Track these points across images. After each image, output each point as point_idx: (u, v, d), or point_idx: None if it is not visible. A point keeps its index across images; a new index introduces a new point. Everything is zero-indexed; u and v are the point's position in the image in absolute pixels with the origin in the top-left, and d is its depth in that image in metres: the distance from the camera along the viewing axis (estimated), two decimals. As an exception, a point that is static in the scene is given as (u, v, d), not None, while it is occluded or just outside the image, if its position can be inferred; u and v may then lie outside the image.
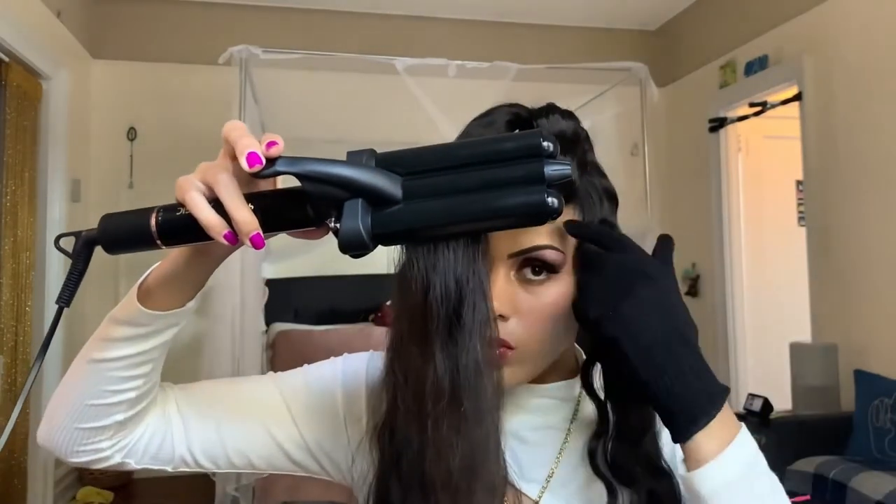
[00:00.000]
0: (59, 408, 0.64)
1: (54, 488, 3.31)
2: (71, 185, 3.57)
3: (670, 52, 4.56)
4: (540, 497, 0.66)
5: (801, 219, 3.85)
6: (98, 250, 0.56)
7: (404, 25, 4.34)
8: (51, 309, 3.31)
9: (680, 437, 0.53)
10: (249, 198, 0.50)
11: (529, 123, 0.63)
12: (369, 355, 0.74)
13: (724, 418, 0.53)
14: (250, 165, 0.47)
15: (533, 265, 0.60)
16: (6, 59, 2.95)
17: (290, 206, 0.49)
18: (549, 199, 0.48)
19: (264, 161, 0.47)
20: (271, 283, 3.71)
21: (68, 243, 0.57)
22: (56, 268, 3.37)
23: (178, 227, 0.50)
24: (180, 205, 0.50)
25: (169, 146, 4.01)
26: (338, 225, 0.48)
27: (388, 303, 3.37)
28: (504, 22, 4.46)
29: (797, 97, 3.37)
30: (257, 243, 0.49)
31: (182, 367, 3.97)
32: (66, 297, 0.55)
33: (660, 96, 3.40)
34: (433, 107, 3.00)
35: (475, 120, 0.67)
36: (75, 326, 3.67)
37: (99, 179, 3.94)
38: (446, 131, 2.91)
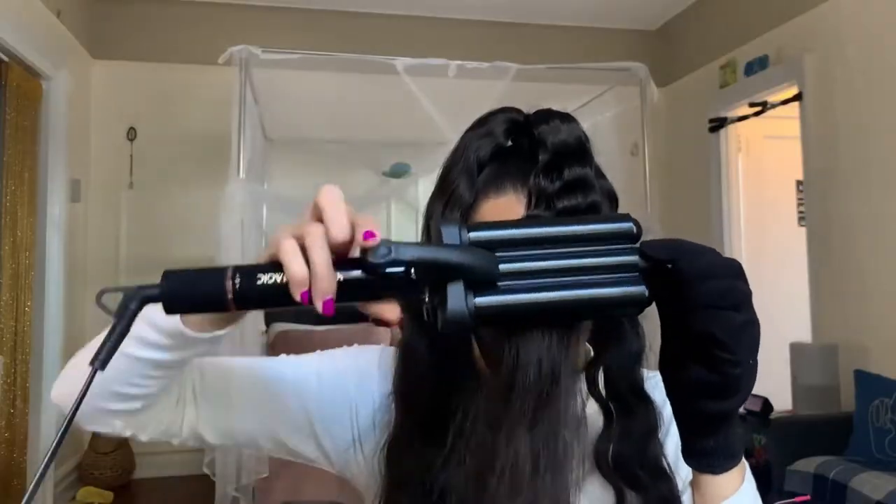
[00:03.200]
0: (79, 380, 0.64)
1: (54, 488, 3.31)
2: (71, 185, 3.57)
3: (670, 52, 4.56)
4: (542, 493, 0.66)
5: (801, 219, 3.85)
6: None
7: (404, 25, 4.35)
8: (51, 309, 3.32)
9: (717, 468, 0.53)
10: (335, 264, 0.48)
11: (527, 130, 0.63)
12: (380, 351, 0.76)
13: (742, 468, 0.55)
14: (365, 239, 0.46)
15: None
16: (6, 59, 2.95)
17: (391, 280, 0.47)
18: (645, 289, 0.49)
19: (379, 237, 0.46)
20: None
21: (112, 299, 0.51)
22: (56, 268, 3.37)
23: (258, 294, 0.47)
24: (259, 269, 0.47)
25: (169, 146, 4.01)
26: (432, 300, 0.48)
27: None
28: (504, 22, 4.46)
29: (797, 97, 3.37)
30: (327, 310, 0.47)
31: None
32: (104, 359, 0.47)
33: (660, 96, 3.40)
34: (433, 107, 3.00)
35: (471, 129, 0.67)
36: (76, 326, 3.67)
37: (99, 179, 3.94)
38: (446, 131, 2.91)
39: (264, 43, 2.97)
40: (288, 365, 0.74)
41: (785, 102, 3.46)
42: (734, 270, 0.51)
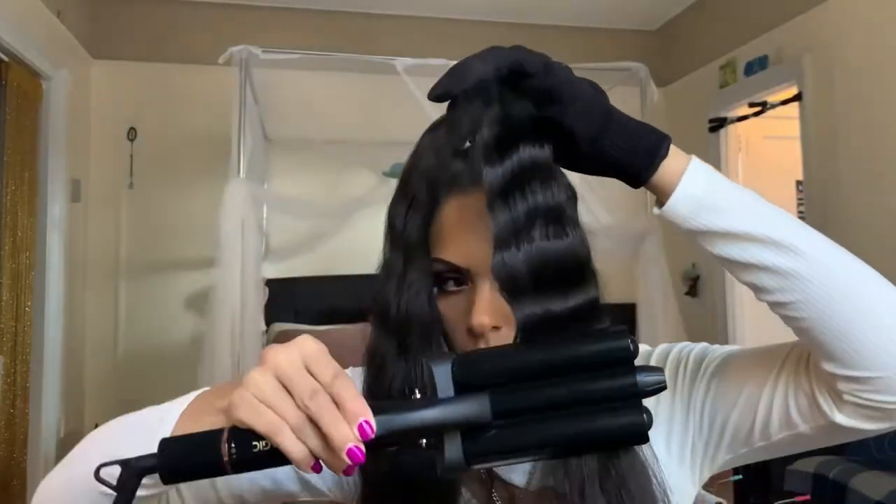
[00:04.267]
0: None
1: (54, 488, 3.31)
2: (71, 185, 3.57)
3: (670, 52, 4.56)
4: (528, 485, 0.67)
5: (801, 219, 3.85)
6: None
7: (404, 25, 4.34)
8: (51, 309, 3.32)
9: (646, 171, 0.56)
10: None
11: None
12: (350, 371, 0.73)
13: (676, 149, 0.58)
14: (363, 437, 0.44)
15: None
16: (6, 59, 2.95)
17: (378, 443, 0.46)
18: (647, 418, 0.47)
19: (363, 451, 0.44)
20: (271, 283, 3.71)
21: (111, 473, 0.48)
22: (56, 268, 3.37)
23: (256, 460, 0.46)
24: (252, 433, 0.45)
25: (169, 146, 4.01)
26: (427, 445, 0.48)
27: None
28: (504, 22, 4.46)
29: (797, 97, 3.37)
30: (349, 473, 0.45)
31: (182, 366, 3.99)
32: None
33: (660, 96, 3.40)
34: (433, 107, 3.00)
35: (429, 131, 0.68)
36: (75, 326, 3.68)
37: (99, 179, 3.94)
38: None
39: (264, 43, 2.97)
40: None
41: (785, 102, 3.46)
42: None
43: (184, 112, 4.00)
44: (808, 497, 2.49)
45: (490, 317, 0.60)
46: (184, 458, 0.47)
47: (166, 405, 0.58)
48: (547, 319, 0.53)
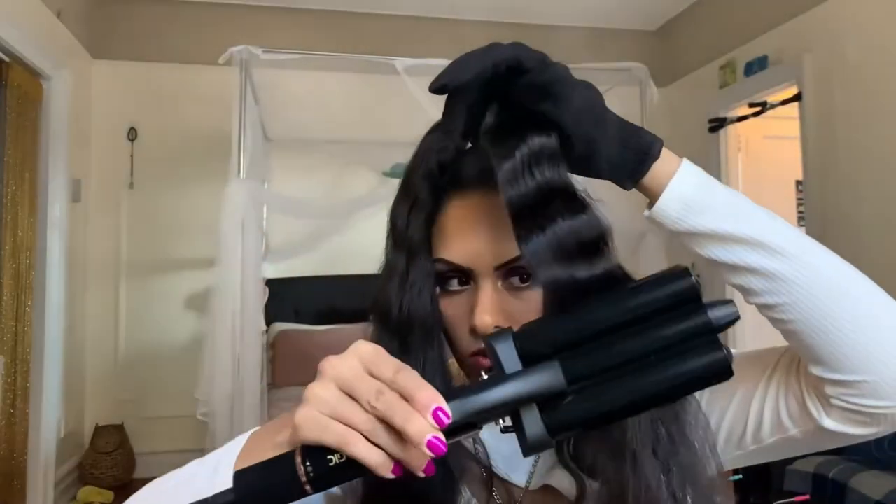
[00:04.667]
0: None
1: (54, 488, 3.31)
2: (71, 185, 3.57)
3: (670, 52, 4.57)
4: (528, 485, 0.67)
5: (800, 219, 3.85)
6: None
7: (404, 25, 4.35)
8: (51, 309, 3.32)
9: (638, 172, 0.57)
10: None
11: None
12: None
13: (668, 152, 0.58)
14: (440, 425, 0.42)
15: (519, 274, 0.61)
16: (6, 59, 2.95)
17: (455, 431, 0.45)
18: (725, 353, 0.44)
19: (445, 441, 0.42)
20: (271, 283, 3.71)
21: None
22: (56, 268, 3.37)
23: (334, 475, 0.44)
24: (324, 448, 0.43)
25: (169, 146, 4.01)
26: (508, 425, 0.46)
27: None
28: (504, 22, 4.46)
29: (797, 97, 3.37)
30: (430, 472, 0.44)
31: (182, 366, 3.99)
32: None
33: (660, 96, 3.40)
34: (433, 107, 3.00)
35: (431, 132, 0.67)
36: (75, 326, 3.68)
37: (99, 179, 3.94)
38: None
39: (264, 43, 2.97)
40: None
41: (785, 102, 3.46)
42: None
43: (184, 112, 4.01)
44: (807, 497, 2.49)
45: (493, 316, 0.60)
46: (261, 486, 0.45)
47: (216, 453, 0.55)
48: (573, 285, 0.53)
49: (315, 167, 4.02)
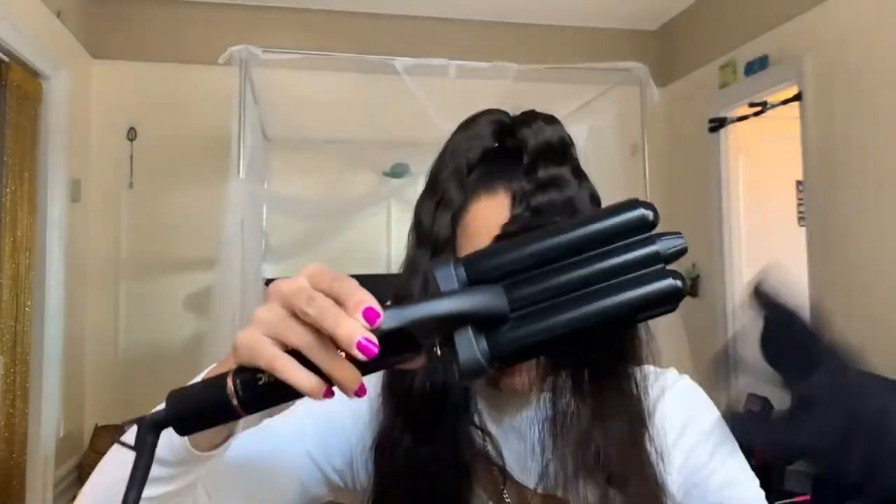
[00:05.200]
0: None
1: (54, 488, 3.31)
2: (71, 185, 3.57)
3: (670, 52, 4.56)
4: (538, 487, 0.67)
5: (801, 219, 3.85)
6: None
7: (404, 25, 4.34)
8: (51, 309, 3.32)
9: None
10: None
11: (512, 132, 0.64)
12: None
13: None
14: (371, 322, 0.41)
15: None
16: (6, 59, 2.95)
17: (389, 342, 0.43)
18: (675, 282, 0.43)
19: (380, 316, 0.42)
20: (271, 283, 3.71)
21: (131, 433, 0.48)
22: (56, 268, 3.37)
23: (264, 395, 0.44)
24: (258, 369, 0.43)
25: (169, 146, 4.01)
26: (443, 353, 0.44)
27: (388, 303, 3.37)
28: (504, 22, 4.46)
29: (797, 97, 3.37)
30: (362, 393, 0.43)
31: (182, 366, 3.99)
32: (135, 498, 0.44)
33: (660, 96, 3.40)
34: (433, 107, 3.00)
35: (459, 131, 0.67)
36: (75, 326, 3.67)
37: (99, 179, 3.94)
38: (446, 131, 2.91)
39: (264, 43, 2.97)
40: (287, 430, 0.71)
41: (785, 102, 3.46)
42: None
43: (184, 112, 4.00)
44: (808, 497, 2.49)
45: None
46: (193, 405, 0.45)
47: None
48: None
49: (315, 167, 4.02)
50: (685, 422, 0.70)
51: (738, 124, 3.90)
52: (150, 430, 0.45)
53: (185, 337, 3.91)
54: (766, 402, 2.93)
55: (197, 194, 3.94)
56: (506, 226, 0.61)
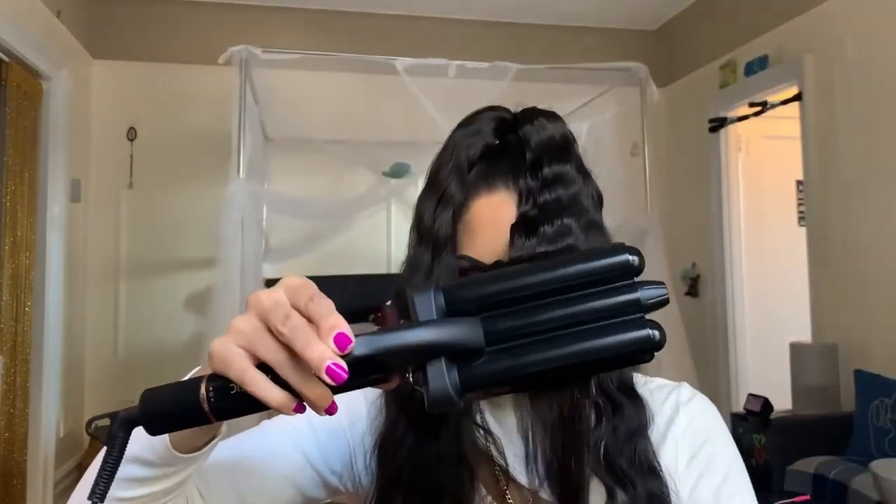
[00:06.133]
0: None
1: (54, 488, 3.31)
2: (71, 185, 3.57)
3: (670, 52, 4.57)
4: (540, 488, 0.67)
5: (801, 219, 3.85)
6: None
7: (404, 25, 4.35)
8: (51, 309, 3.32)
9: None
10: None
11: (514, 129, 0.64)
12: None
13: None
14: (342, 348, 0.41)
15: None
16: (6, 59, 2.95)
17: (360, 368, 0.43)
18: (653, 333, 0.43)
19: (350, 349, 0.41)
20: (271, 283, 3.71)
21: (102, 427, 0.49)
22: (56, 268, 3.37)
23: (235, 405, 0.44)
24: (230, 380, 0.44)
25: (169, 146, 4.01)
26: (416, 378, 0.45)
27: (388, 303, 3.37)
28: (504, 22, 4.46)
29: (797, 97, 3.37)
30: (333, 411, 0.43)
31: (182, 367, 3.96)
32: (101, 491, 0.45)
33: (660, 96, 3.40)
34: (433, 107, 3.00)
35: (459, 128, 0.67)
36: (75, 326, 3.68)
37: (99, 179, 3.94)
38: (446, 132, 2.91)
39: (264, 43, 2.97)
40: (282, 432, 0.71)
41: (785, 102, 3.46)
42: None
43: (184, 112, 4.00)
44: (808, 497, 2.49)
45: None
46: (166, 406, 0.45)
47: None
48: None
49: (315, 167, 4.02)
50: (698, 446, 0.69)
51: (738, 124, 3.90)
52: (121, 426, 0.46)
53: (185, 337, 3.91)
54: (765, 401, 2.93)
55: (197, 194, 3.94)
56: (512, 251, 0.60)
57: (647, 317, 0.45)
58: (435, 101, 2.99)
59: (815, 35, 3.31)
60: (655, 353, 0.44)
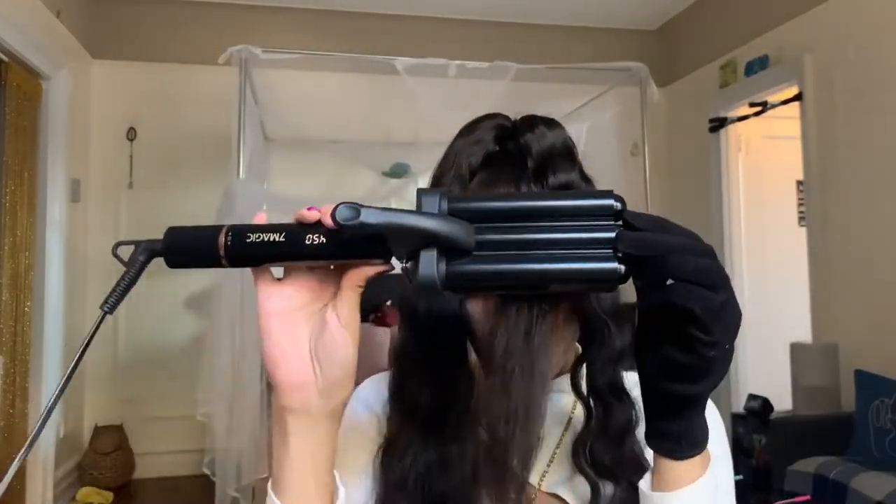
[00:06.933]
0: None
1: (54, 488, 3.31)
2: (71, 185, 3.57)
3: (670, 52, 4.56)
4: (540, 484, 0.67)
5: (801, 219, 3.85)
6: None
7: (404, 25, 4.34)
8: (51, 309, 3.32)
9: (678, 453, 0.53)
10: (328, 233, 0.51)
11: (514, 136, 0.64)
12: (355, 395, 0.75)
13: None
14: (336, 215, 0.47)
15: None
16: (6, 59, 2.95)
17: (365, 240, 0.50)
18: (619, 267, 0.48)
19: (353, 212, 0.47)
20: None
21: (126, 251, 0.56)
22: (56, 268, 3.37)
23: (249, 253, 0.52)
24: (250, 229, 0.51)
25: (169, 146, 4.01)
26: (409, 266, 0.50)
27: (388, 303, 3.37)
28: (504, 22, 4.46)
29: (797, 97, 3.37)
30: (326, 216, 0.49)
31: (182, 366, 3.99)
32: (113, 303, 0.53)
33: (660, 96, 3.40)
34: (433, 107, 3.00)
35: (460, 136, 0.68)
36: (75, 326, 3.67)
37: (99, 179, 3.94)
38: (446, 132, 2.91)
39: (264, 43, 2.97)
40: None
41: (785, 102, 3.46)
42: (711, 252, 0.50)
43: (184, 112, 4.00)
44: (808, 497, 2.49)
45: None
46: (186, 245, 0.52)
47: None
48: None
49: (315, 167, 4.02)
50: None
51: (739, 124, 3.90)
52: (143, 252, 0.54)
53: (185, 337, 3.91)
54: (765, 401, 2.93)
55: (197, 194, 3.94)
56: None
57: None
58: (435, 102, 3.00)
59: (815, 35, 3.31)
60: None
